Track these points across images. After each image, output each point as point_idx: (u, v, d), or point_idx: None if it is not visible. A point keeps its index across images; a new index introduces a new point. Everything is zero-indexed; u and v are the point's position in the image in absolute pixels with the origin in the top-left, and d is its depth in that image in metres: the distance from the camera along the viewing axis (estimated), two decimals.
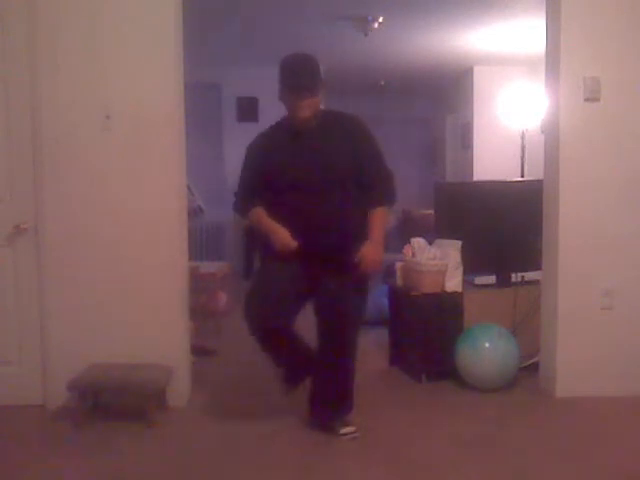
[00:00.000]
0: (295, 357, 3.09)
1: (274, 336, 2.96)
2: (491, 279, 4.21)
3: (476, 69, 8.17)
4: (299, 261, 2.95)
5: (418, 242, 4.03)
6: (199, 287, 4.66)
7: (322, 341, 3.06)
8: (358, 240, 2.99)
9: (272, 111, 3.37)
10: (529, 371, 3.85)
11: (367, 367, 3.99)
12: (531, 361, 3.87)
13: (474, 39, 6.68)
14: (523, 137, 7.87)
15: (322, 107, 3.04)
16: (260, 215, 3.06)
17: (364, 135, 3.06)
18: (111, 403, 3.35)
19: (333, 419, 3.09)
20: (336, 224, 2.94)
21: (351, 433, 3.05)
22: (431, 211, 5.27)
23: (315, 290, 2.99)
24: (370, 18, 5.75)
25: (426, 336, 3.86)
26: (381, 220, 3.01)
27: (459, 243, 3.94)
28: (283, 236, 2.94)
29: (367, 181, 3.03)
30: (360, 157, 3.00)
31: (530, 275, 4.10)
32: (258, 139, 3.17)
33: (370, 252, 2.92)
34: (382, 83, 9.34)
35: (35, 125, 3.37)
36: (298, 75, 2.85)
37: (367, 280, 3.09)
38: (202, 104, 7.53)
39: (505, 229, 4.17)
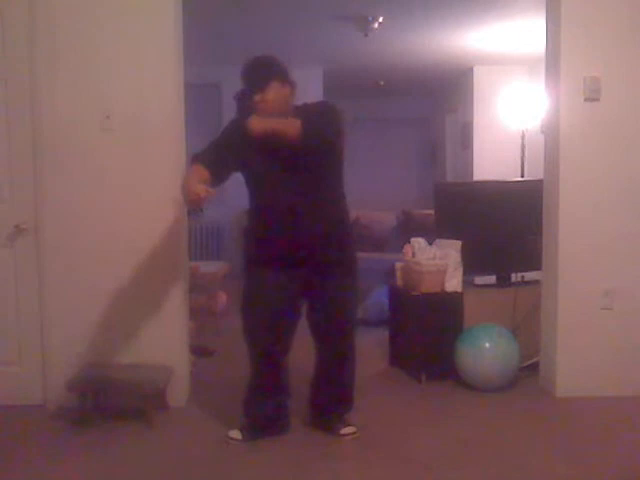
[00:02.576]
0: (271, 406, 3.08)
1: (271, 370, 3.01)
2: (491, 279, 4.21)
3: (476, 69, 8.15)
4: (285, 266, 2.91)
5: (418, 242, 4.03)
6: (199, 287, 4.66)
7: (320, 341, 3.06)
8: (341, 236, 2.99)
9: None
10: (529, 371, 3.85)
11: (367, 367, 3.99)
12: (531, 361, 3.87)
13: (474, 39, 6.67)
14: (523, 137, 7.86)
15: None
16: (195, 169, 2.81)
17: (318, 107, 2.96)
18: (111, 403, 3.35)
19: (333, 418, 3.09)
20: (315, 221, 2.88)
21: (351, 434, 3.04)
22: (431, 211, 5.26)
23: (306, 294, 2.98)
24: (370, 18, 5.74)
25: (426, 336, 3.86)
26: (286, 122, 2.79)
27: (459, 243, 3.93)
28: (190, 182, 2.67)
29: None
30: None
31: (530, 275, 4.11)
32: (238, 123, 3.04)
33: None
34: (382, 83, 9.32)
35: (35, 125, 3.37)
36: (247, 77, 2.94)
37: (357, 267, 3.05)
38: (202, 104, 7.51)
39: (505, 229, 4.17)
